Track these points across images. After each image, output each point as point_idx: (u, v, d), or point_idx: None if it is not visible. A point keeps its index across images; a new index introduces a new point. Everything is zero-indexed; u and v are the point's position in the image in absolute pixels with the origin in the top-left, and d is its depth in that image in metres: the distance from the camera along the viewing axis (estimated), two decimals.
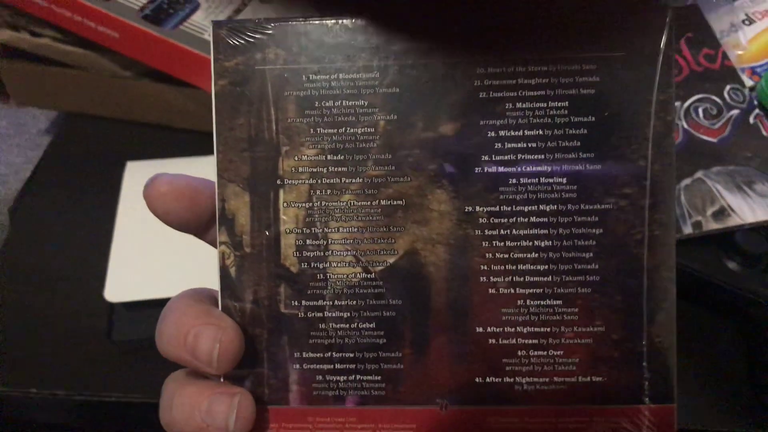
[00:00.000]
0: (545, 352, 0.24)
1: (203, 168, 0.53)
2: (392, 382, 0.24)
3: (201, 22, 0.56)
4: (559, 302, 0.23)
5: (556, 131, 0.23)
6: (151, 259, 0.49)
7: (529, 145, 0.23)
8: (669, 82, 0.23)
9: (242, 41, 0.24)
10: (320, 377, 0.24)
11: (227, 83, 0.24)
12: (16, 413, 0.48)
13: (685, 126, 0.47)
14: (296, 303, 0.24)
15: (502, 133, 0.23)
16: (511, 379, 0.24)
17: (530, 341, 0.24)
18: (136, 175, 0.55)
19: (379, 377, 0.24)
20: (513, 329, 0.24)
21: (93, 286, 0.48)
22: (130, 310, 0.47)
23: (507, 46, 0.23)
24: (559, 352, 0.23)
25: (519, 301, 0.24)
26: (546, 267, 0.23)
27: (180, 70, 0.55)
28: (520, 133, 0.23)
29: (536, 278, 0.23)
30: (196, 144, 0.57)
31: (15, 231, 0.55)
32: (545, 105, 0.23)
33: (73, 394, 0.45)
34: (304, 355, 0.24)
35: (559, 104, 0.23)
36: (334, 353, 0.24)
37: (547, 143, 0.23)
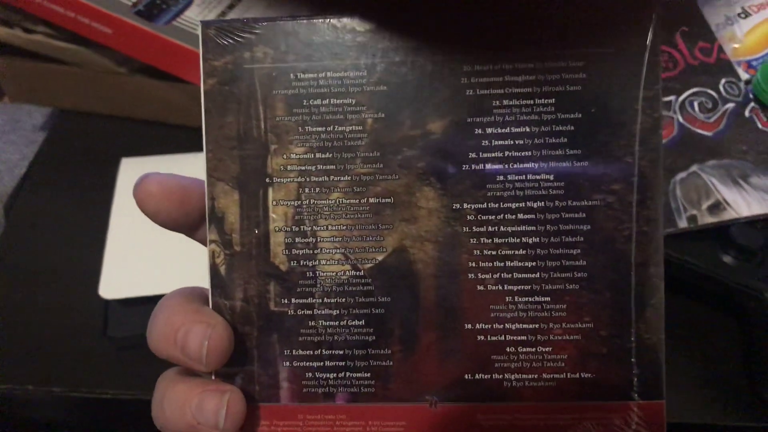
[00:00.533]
0: (534, 349, 0.24)
1: (198, 164, 0.53)
2: (382, 379, 0.24)
3: (194, 17, 0.55)
4: (547, 299, 0.23)
5: (543, 128, 0.23)
6: (146, 256, 0.49)
7: (517, 142, 0.23)
8: (656, 78, 0.23)
9: (231, 41, 0.24)
10: (310, 374, 0.24)
11: (216, 82, 0.24)
12: (13, 410, 0.48)
13: (681, 120, 0.47)
14: (286, 301, 0.24)
15: (489, 130, 0.23)
16: (500, 376, 0.24)
17: (519, 338, 0.24)
18: (131, 171, 0.55)
19: (369, 374, 0.24)
20: (501, 326, 0.24)
21: (88, 283, 0.48)
22: (126, 306, 0.47)
23: (494, 44, 0.23)
24: (547, 349, 0.23)
25: (507, 298, 0.24)
26: (534, 264, 0.23)
27: (173, 65, 0.55)
28: (508, 130, 0.23)
29: (524, 275, 0.23)
30: (190, 140, 0.57)
31: (10, 227, 0.55)
32: (532, 102, 0.23)
33: (69, 391, 0.45)
34: (294, 352, 0.24)
35: (546, 101, 0.23)
36: (323, 350, 0.24)
37: (534, 140, 0.23)
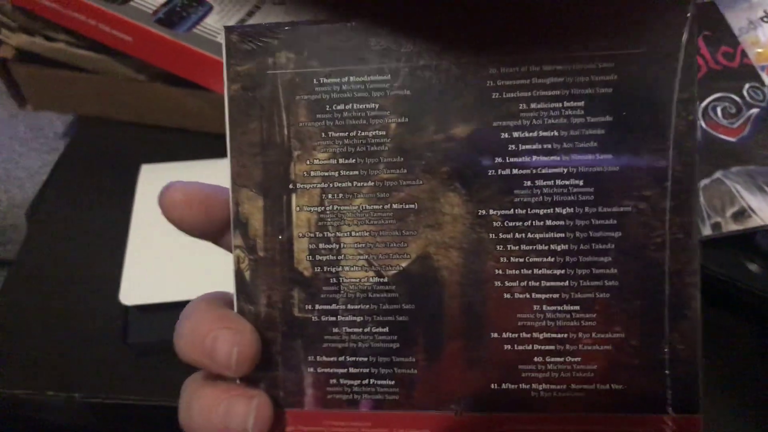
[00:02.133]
0: (562, 359, 0.23)
1: (217, 171, 0.53)
2: (406, 387, 0.24)
3: (214, 25, 0.56)
4: (577, 308, 0.23)
5: (572, 132, 0.22)
6: (166, 262, 0.49)
7: (544, 146, 0.23)
8: (691, 79, 0.22)
9: (254, 46, 0.24)
10: (334, 381, 0.24)
11: (240, 88, 0.24)
12: (33, 415, 0.48)
13: (704, 125, 0.47)
14: (309, 307, 0.24)
15: (516, 134, 0.23)
16: (528, 386, 0.23)
17: (547, 347, 0.23)
18: (151, 177, 0.55)
19: (393, 382, 0.24)
20: (529, 335, 0.23)
21: (108, 289, 0.48)
22: (145, 312, 0.47)
23: (520, 45, 0.22)
24: (576, 359, 0.23)
25: (535, 307, 0.23)
26: (563, 272, 0.23)
27: (193, 72, 0.55)
28: (535, 134, 0.23)
29: (553, 283, 0.23)
30: (209, 146, 0.57)
31: (32, 234, 0.56)
32: (560, 105, 0.22)
33: (89, 397, 0.45)
34: (318, 358, 0.24)
35: (575, 104, 0.22)
36: (347, 357, 0.24)
37: (562, 144, 0.22)
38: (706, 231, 0.43)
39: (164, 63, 0.56)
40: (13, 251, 0.55)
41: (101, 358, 0.47)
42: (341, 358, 0.24)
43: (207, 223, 0.24)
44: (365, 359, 0.24)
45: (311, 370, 0.24)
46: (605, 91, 0.22)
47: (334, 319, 0.24)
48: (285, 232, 0.24)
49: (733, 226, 0.43)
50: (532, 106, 0.23)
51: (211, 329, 0.23)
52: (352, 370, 0.24)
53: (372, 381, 0.24)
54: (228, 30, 0.24)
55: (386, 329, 0.24)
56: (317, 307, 0.24)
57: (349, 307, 0.24)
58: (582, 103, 0.22)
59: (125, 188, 0.55)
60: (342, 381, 0.24)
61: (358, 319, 0.24)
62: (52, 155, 0.64)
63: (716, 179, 0.44)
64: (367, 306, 0.24)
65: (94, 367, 0.47)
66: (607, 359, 0.23)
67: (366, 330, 0.24)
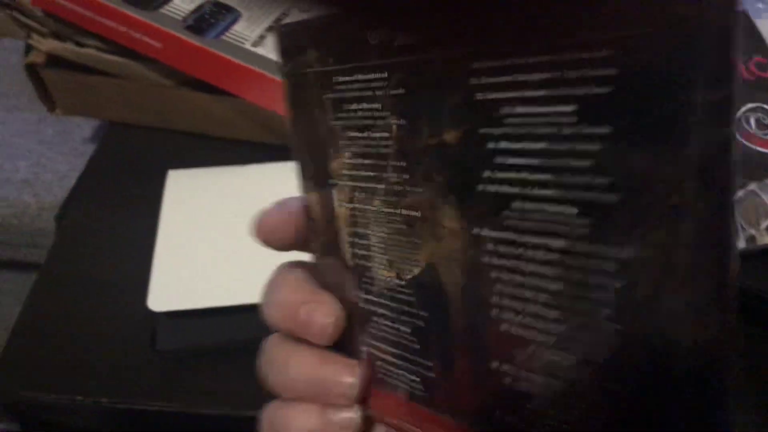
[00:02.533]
0: (564, 415, 0.19)
1: (244, 177, 0.53)
2: (429, 387, 0.23)
3: (242, 31, 0.56)
4: (573, 360, 0.18)
5: (562, 145, 0.17)
6: (194, 268, 0.49)
7: (532, 161, 0.17)
8: (725, 73, 0.14)
9: (291, 45, 0.24)
10: (379, 363, 0.25)
11: (289, 86, 0.24)
12: (62, 420, 0.49)
13: (738, 137, 0.46)
14: (355, 293, 0.25)
15: (502, 144, 0.18)
16: (531, 427, 0.20)
17: (545, 395, 0.19)
18: (178, 183, 0.55)
19: (419, 379, 0.24)
20: (527, 376, 0.19)
21: (137, 295, 0.48)
22: (174, 319, 0.47)
23: (504, 32, 0.17)
24: (579, 419, 0.18)
25: (531, 348, 0.19)
26: (558, 314, 0.18)
27: (221, 79, 0.56)
28: (522, 145, 0.18)
29: (548, 326, 0.18)
30: (236, 153, 0.58)
31: (60, 238, 0.56)
32: (548, 109, 0.17)
33: (117, 402, 0.45)
34: (367, 340, 0.25)
35: (565, 108, 0.16)
36: (386, 346, 0.24)
37: (552, 160, 0.17)
38: (741, 244, 0.43)
39: (193, 69, 0.56)
40: (41, 255, 0.55)
41: (129, 364, 0.47)
42: (382, 345, 0.25)
43: (299, 237, 0.26)
44: (398, 352, 0.24)
45: (364, 348, 0.25)
46: (601, 90, 0.16)
47: (373, 309, 0.24)
48: (334, 223, 0.25)
49: None
50: (517, 110, 0.17)
51: (305, 300, 0.25)
52: (389, 358, 0.24)
53: (403, 373, 0.24)
54: (278, 29, 0.24)
55: (409, 330, 0.23)
56: (360, 295, 0.25)
57: (381, 301, 0.24)
58: (573, 108, 0.16)
59: (153, 194, 0.55)
60: (385, 366, 0.25)
61: (389, 314, 0.24)
62: (80, 159, 0.65)
63: (751, 191, 0.44)
64: (394, 304, 0.24)
65: (122, 373, 0.47)
66: (616, 426, 0.18)
67: (395, 326, 0.24)
